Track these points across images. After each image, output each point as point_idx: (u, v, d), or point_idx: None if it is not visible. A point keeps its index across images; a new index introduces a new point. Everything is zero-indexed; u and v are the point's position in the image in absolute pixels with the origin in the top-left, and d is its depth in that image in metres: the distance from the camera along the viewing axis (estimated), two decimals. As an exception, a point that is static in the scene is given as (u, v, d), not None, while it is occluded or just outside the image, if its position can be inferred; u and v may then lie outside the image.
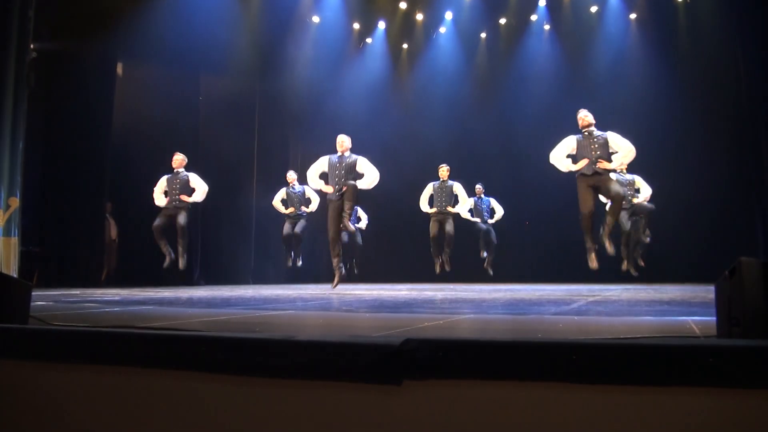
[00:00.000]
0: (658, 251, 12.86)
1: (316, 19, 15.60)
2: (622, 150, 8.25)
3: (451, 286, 11.79)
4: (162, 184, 10.38)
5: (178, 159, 10.47)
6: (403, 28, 16.80)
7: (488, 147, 15.70)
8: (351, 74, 16.45)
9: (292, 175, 12.57)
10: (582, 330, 3.30)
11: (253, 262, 14.51)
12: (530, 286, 11.65)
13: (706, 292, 7.62)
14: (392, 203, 14.60)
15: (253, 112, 15.01)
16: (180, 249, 10.14)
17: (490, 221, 13.54)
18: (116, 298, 6.72)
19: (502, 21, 16.40)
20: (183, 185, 10.29)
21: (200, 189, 10.40)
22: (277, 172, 14.07)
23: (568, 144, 8.60)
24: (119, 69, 12.14)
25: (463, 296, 7.35)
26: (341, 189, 9.21)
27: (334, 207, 9.28)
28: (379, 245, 15.11)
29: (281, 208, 12.51)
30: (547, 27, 16.24)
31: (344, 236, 11.46)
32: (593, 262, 8.32)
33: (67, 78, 11.22)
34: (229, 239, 13.81)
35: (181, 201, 10.21)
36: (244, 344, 2.28)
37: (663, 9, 14.95)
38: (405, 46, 17.34)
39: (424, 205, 11.84)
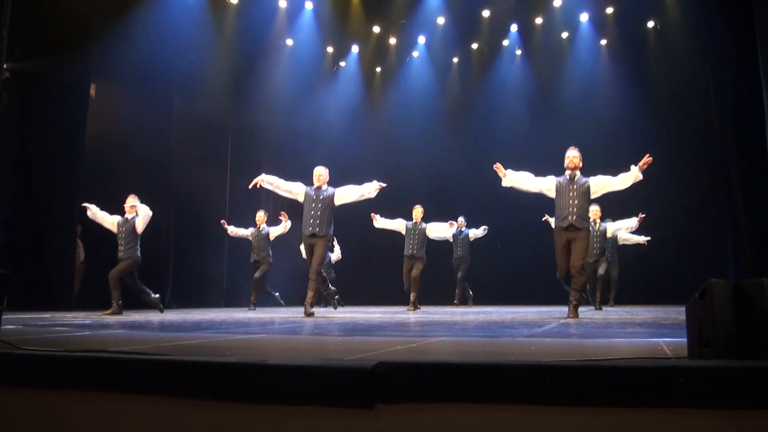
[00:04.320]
0: (629, 274, 12.96)
1: (289, 42, 15.64)
2: (621, 178, 7.82)
3: (423, 308, 11.78)
4: (112, 223, 10.06)
5: (130, 203, 9.99)
6: (376, 51, 16.90)
7: (460, 170, 15.79)
8: (325, 97, 16.50)
9: (261, 216, 12.36)
10: (554, 352, 3.30)
11: (225, 285, 14.43)
12: (502, 308, 11.69)
13: (677, 313, 7.67)
14: (365, 227, 14.57)
15: (227, 135, 15.00)
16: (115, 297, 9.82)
17: (474, 234, 13.75)
18: (87, 322, 6.65)
19: (474, 46, 16.54)
20: (129, 232, 9.91)
21: (141, 214, 9.94)
22: (250, 195, 14.03)
23: (544, 182, 8.10)
24: (92, 90, 12.07)
25: (435, 319, 7.35)
26: (315, 228, 8.87)
27: (306, 244, 8.95)
28: (351, 269, 15.06)
29: (238, 232, 12.52)
30: (518, 52, 16.40)
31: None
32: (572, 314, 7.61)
33: (41, 98, 11.14)
34: (201, 262, 13.74)
35: (127, 251, 9.94)
36: (216, 368, 2.26)
37: (633, 35, 15.17)
38: (378, 69, 17.43)
39: (384, 223, 11.84)
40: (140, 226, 9.96)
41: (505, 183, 8.28)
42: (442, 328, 5.35)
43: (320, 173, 9.23)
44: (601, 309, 10.87)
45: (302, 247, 9.44)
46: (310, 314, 8.40)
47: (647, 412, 1.86)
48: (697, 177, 13.70)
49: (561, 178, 8.02)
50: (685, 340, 2.69)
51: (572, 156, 7.99)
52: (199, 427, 2.21)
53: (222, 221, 12.75)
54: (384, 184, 9.14)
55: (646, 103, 14.73)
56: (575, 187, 7.87)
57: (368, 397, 2.03)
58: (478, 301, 14.36)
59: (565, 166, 8.02)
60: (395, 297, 13.46)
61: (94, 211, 10.12)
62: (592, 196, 8.02)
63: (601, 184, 7.97)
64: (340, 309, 10.84)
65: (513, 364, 2.06)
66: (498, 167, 8.24)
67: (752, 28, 10.09)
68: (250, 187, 9.33)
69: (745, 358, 2.15)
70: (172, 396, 2.26)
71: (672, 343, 3.47)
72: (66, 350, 2.89)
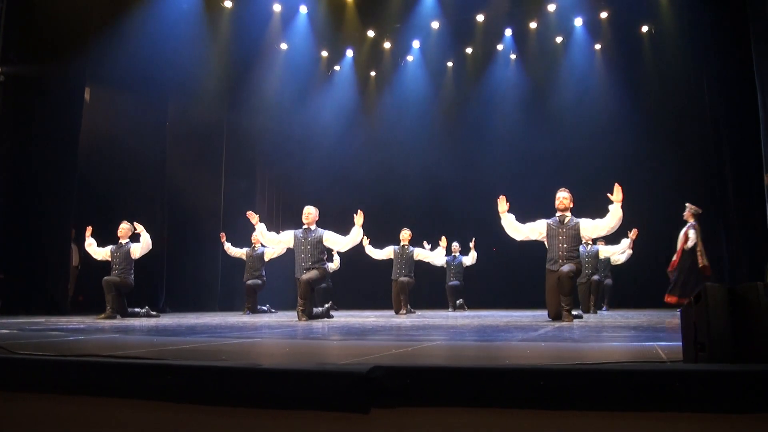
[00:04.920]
0: (624, 278, 12.98)
1: (284, 46, 15.64)
2: (606, 220, 7.88)
3: (418, 312, 11.78)
4: (106, 253, 10.09)
5: (124, 229, 10.09)
6: (371, 56, 16.89)
7: (455, 173, 15.79)
8: (319, 101, 16.50)
9: (256, 236, 12.21)
10: (549, 356, 3.30)
11: (220, 289, 14.40)
12: (497, 312, 11.69)
13: (673, 317, 7.69)
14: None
15: (221, 139, 14.99)
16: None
17: (466, 262, 13.76)
18: (81, 326, 6.62)
19: (469, 50, 16.55)
20: (123, 257, 9.96)
21: (144, 242, 9.99)
22: (245, 199, 14.04)
23: (536, 227, 8.24)
24: (87, 94, 12.05)
25: (430, 323, 7.34)
26: (308, 270, 8.90)
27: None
28: (347, 274, 15.05)
29: (234, 252, 12.51)
30: (513, 56, 16.41)
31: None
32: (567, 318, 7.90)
33: (35, 102, 11.10)
34: (196, 266, 13.71)
35: (121, 272, 9.89)
36: (210, 372, 2.25)
37: (627, 39, 15.19)
38: (373, 73, 17.44)
39: (374, 252, 11.89)
40: (138, 253, 10.02)
41: (503, 221, 8.30)
42: (437, 332, 5.35)
43: (309, 212, 9.23)
44: (595, 313, 10.91)
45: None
46: (303, 320, 8.41)
47: (642, 416, 1.86)
48: (691, 180, 13.71)
49: (551, 221, 8.16)
50: (680, 343, 2.68)
51: (562, 197, 8.13)
52: (194, 431, 2.20)
53: (221, 234, 12.69)
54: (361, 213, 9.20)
55: (640, 107, 14.76)
56: (565, 230, 8.01)
57: (363, 402, 2.02)
58: (473, 305, 14.37)
59: (556, 207, 8.16)
60: (391, 301, 13.48)
61: (90, 242, 10.13)
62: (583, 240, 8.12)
63: (590, 229, 8.10)
64: (334, 313, 10.82)
65: (508, 368, 2.06)
66: (501, 200, 8.22)
67: (746, 32, 10.12)
68: (247, 214, 9.34)
69: (740, 361, 2.15)
70: (166, 400, 2.25)
71: (667, 347, 3.47)
72: (60, 354, 2.88)
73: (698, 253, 10.93)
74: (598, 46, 15.63)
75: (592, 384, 1.91)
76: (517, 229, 8.28)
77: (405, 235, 11.80)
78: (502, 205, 8.21)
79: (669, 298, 11.08)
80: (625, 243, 11.90)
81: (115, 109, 12.26)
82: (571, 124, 15.18)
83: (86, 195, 11.61)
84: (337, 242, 9.17)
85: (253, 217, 9.32)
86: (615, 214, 7.83)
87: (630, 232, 11.68)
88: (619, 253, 12.15)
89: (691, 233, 10.95)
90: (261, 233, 9.36)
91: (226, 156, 15.06)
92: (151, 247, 10.10)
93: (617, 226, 7.95)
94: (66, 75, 11.26)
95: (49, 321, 7.98)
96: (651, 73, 14.95)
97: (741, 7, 10.45)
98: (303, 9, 15.10)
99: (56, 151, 11.22)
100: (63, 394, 2.41)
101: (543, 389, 1.92)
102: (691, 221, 11.01)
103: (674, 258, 11.16)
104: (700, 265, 10.86)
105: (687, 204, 11.17)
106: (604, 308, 12.39)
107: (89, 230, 10.14)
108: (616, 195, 7.79)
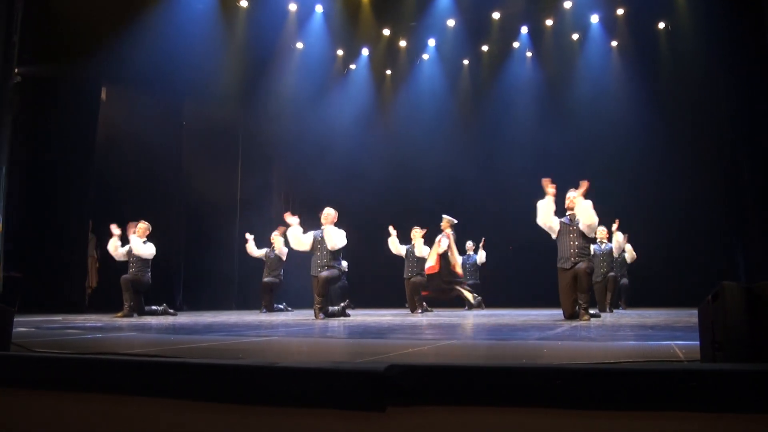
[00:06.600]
0: (641, 277, 12.91)
1: (300, 45, 15.65)
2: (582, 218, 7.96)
3: (435, 311, 11.77)
4: (125, 253, 10.18)
5: (142, 228, 10.19)
6: (386, 54, 16.86)
7: (471, 172, 15.75)
8: (335, 100, 16.49)
9: (276, 236, 12.26)
10: (566, 355, 3.29)
11: (236, 287, 14.44)
12: (514, 311, 11.66)
13: (690, 316, 7.65)
14: (377, 231, 14.60)
15: (237, 138, 15.03)
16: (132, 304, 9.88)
17: (480, 260, 13.80)
18: (98, 325, 6.67)
19: (485, 48, 16.50)
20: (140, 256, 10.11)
21: (145, 252, 10.10)
22: (261, 197, 14.06)
23: (554, 223, 8.25)
24: (103, 94, 12.12)
25: (447, 322, 7.34)
26: (324, 269, 9.12)
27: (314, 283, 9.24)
28: (364, 273, 15.06)
29: (256, 252, 12.56)
30: (529, 54, 16.35)
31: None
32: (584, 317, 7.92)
33: (52, 102, 11.19)
34: (212, 265, 13.75)
35: (138, 270, 10.00)
36: (227, 371, 2.26)
37: (644, 36, 15.10)
38: (389, 72, 17.41)
39: (393, 245, 11.89)
40: (148, 255, 10.10)
41: (544, 200, 8.26)
42: (453, 331, 5.35)
43: (327, 213, 9.41)
44: (611, 312, 10.86)
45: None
46: (320, 318, 8.46)
47: (659, 416, 1.85)
48: (707, 178, 13.62)
49: (563, 219, 8.23)
50: (697, 343, 2.67)
51: (572, 197, 8.19)
52: (211, 429, 2.21)
53: (246, 234, 12.64)
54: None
55: (656, 103, 14.66)
56: (574, 228, 8.06)
57: (380, 400, 2.03)
58: (490, 304, 14.34)
59: (566, 206, 8.23)
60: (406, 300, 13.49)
61: (116, 245, 10.20)
62: (590, 235, 8.13)
63: (585, 229, 8.06)
64: (350, 312, 10.83)
65: (524, 367, 2.05)
66: (547, 182, 8.24)
67: (763, 27, 10.04)
68: (285, 216, 9.67)
69: (758, 361, 2.14)
70: (183, 398, 2.27)
71: (684, 346, 3.46)
72: (78, 353, 2.90)
73: (451, 257, 11.62)
74: (614, 43, 15.55)
75: (609, 383, 1.91)
76: (547, 214, 8.23)
77: (415, 234, 11.77)
78: (550, 187, 8.19)
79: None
80: (618, 237, 11.76)
81: (131, 108, 12.31)
82: (586, 121, 15.10)
83: (102, 194, 11.68)
84: (329, 238, 9.27)
85: (291, 219, 9.54)
86: (581, 210, 7.92)
87: (613, 225, 11.59)
88: (619, 250, 11.98)
89: (444, 241, 11.48)
90: (293, 234, 9.44)
91: (241, 155, 15.11)
92: (152, 254, 10.15)
93: (593, 217, 7.92)
94: (82, 75, 11.34)
95: (67, 319, 8.04)
96: (667, 69, 14.84)
97: (757, 2, 10.37)
98: (319, 8, 15.09)
99: (73, 150, 11.30)
100: (80, 391, 2.43)
101: (560, 389, 1.92)
102: (447, 230, 11.60)
103: (433, 264, 11.54)
104: (453, 266, 11.59)
105: (444, 215, 11.73)
106: (621, 307, 12.32)
107: (117, 233, 10.19)
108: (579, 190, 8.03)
